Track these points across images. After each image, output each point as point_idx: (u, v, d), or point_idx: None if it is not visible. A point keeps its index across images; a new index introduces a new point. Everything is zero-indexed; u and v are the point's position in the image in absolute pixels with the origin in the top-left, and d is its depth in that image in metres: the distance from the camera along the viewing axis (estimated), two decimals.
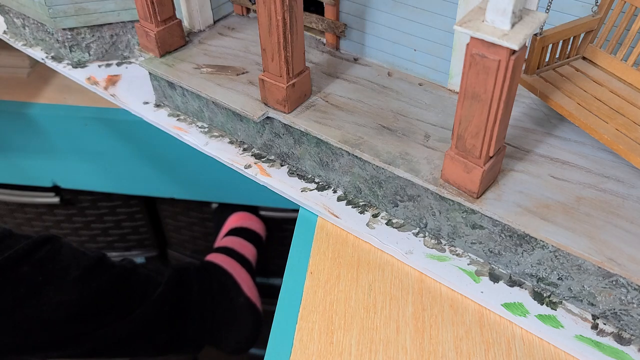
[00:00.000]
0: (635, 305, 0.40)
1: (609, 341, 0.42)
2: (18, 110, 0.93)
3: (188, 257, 1.30)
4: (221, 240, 1.04)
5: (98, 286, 0.66)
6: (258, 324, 0.87)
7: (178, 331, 0.75)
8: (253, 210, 1.15)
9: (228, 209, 1.14)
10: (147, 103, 0.67)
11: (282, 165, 0.58)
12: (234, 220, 1.11)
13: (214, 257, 0.94)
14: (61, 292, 0.63)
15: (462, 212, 0.46)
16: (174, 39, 0.63)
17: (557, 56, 0.49)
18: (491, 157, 0.42)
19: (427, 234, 0.50)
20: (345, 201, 0.54)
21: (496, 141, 0.40)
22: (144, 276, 0.75)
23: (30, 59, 0.96)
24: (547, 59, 0.48)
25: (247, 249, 1.01)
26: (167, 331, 0.74)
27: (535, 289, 0.45)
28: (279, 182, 0.56)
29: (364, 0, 0.57)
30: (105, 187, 1.07)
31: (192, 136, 0.62)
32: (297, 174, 0.57)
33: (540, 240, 0.42)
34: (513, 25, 0.35)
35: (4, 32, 0.82)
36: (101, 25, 0.72)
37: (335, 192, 0.55)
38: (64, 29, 0.71)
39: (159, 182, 1.04)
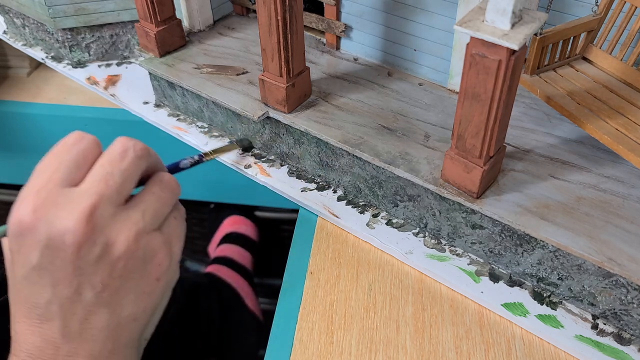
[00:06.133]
0: (635, 305, 0.40)
1: (609, 341, 0.42)
2: (18, 110, 0.92)
3: (187, 257, 1.30)
4: (220, 248, 1.05)
5: None
6: (261, 335, 0.88)
7: (187, 347, 0.76)
8: (251, 210, 1.15)
9: (224, 208, 1.14)
10: (147, 103, 0.67)
11: (282, 165, 0.58)
12: (230, 224, 1.11)
13: (217, 270, 0.94)
14: None
15: (462, 212, 0.46)
16: (174, 39, 0.63)
17: (557, 56, 0.49)
18: (491, 157, 0.42)
19: (427, 234, 0.50)
20: (345, 201, 0.54)
21: (496, 141, 0.40)
22: None
23: (30, 59, 0.96)
24: (547, 59, 0.48)
25: (246, 259, 1.01)
26: (178, 348, 0.75)
27: (535, 289, 0.45)
28: (279, 182, 0.56)
29: (364, 0, 0.57)
30: None
31: (192, 136, 0.62)
32: (297, 174, 0.57)
33: (540, 240, 0.42)
34: (513, 25, 0.35)
35: (4, 32, 0.82)
36: (101, 25, 0.72)
37: (335, 192, 0.55)
38: (64, 29, 0.71)
39: None
